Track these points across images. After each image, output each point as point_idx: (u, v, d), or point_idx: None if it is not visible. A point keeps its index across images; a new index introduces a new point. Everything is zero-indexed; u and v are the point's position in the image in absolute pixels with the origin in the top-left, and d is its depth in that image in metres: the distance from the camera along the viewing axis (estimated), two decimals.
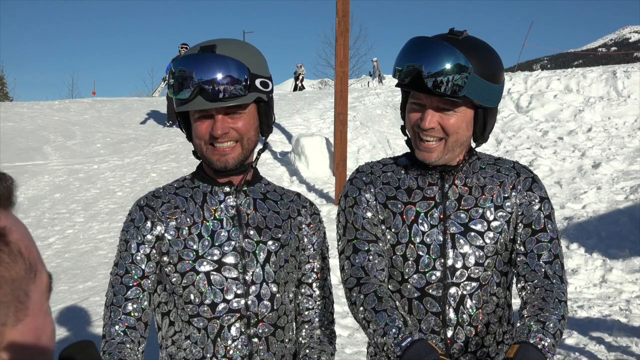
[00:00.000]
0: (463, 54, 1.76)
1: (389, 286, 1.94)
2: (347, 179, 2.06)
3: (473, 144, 1.97)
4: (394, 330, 1.69)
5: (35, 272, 0.75)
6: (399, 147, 13.11)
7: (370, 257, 1.88)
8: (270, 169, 11.19)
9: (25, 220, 9.52)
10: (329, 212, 8.96)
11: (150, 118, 17.54)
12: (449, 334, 1.90)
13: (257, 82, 1.81)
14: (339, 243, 1.99)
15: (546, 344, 1.66)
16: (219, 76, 1.73)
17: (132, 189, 11.19)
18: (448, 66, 1.74)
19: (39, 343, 0.74)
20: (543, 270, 1.86)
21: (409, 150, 2.01)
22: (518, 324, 1.75)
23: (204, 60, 1.76)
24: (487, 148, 12.50)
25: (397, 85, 1.87)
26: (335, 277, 7.11)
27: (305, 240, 2.00)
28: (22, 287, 0.72)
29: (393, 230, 1.93)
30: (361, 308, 1.79)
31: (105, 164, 13.18)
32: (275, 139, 12.96)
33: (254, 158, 1.95)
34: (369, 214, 1.94)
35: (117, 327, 1.77)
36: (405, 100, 1.94)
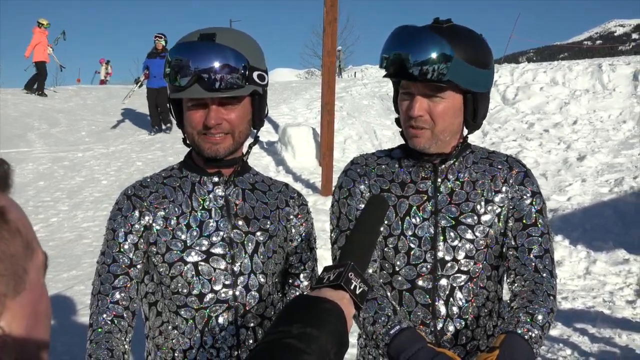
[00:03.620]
0: (447, 41, 1.76)
1: (380, 278, 1.94)
2: (342, 170, 2.06)
3: (465, 131, 1.97)
4: (383, 318, 1.70)
5: (32, 250, 0.79)
6: (386, 137, 13.11)
7: None
8: (256, 159, 11.15)
9: None
10: (315, 203, 8.95)
11: (134, 108, 17.39)
12: (439, 326, 1.90)
13: (255, 74, 1.79)
14: (332, 234, 1.99)
15: (533, 335, 1.67)
16: (217, 65, 1.71)
17: (117, 178, 11.12)
18: (432, 53, 1.75)
19: (36, 313, 0.80)
20: (533, 264, 1.86)
21: (397, 142, 2.02)
22: (506, 315, 1.76)
23: (204, 48, 1.73)
24: (473, 140, 12.52)
25: (384, 76, 1.87)
26: (321, 268, 7.08)
27: (293, 231, 1.99)
28: (20, 263, 0.77)
29: (386, 222, 1.93)
30: None
31: (90, 152, 13.09)
32: (262, 128, 12.87)
33: (245, 152, 1.93)
34: (362, 206, 1.94)
35: (104, 315, 1.75)
36: (398, 93, 1.94)
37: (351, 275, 1.20)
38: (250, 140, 1.94)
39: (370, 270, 1.88)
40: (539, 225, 1.91)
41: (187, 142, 1.88)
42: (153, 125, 14.92)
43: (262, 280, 1.88)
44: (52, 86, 20.17)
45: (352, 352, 5.71)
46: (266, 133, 12.80)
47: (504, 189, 1.95)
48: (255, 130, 1.93)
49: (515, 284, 1.87)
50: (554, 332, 5.73)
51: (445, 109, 1.84)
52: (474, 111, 1.88)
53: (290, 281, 1.99)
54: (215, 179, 1.89)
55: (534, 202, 1.94)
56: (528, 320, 1.70)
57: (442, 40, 1.76)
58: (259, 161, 11.14)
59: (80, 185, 10.83)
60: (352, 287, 1.19)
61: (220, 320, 1.82)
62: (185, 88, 1.73)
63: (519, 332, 1.66)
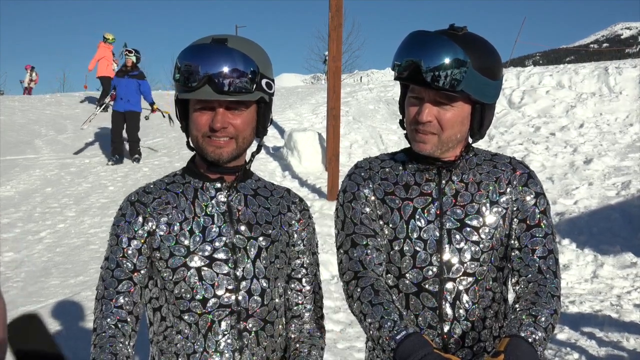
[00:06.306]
0: (462, 49, 1.76)
1: (387, 282, 1.94)
2: (346, 174, 2.07)
3: (470, 140, 1.98)
4: (389, 323, 1.70)
5: None
6: (392, 142, 13.11)
7: (369, 252, 1.89)
8: (262, 164, 11.17)
9: (16, 214, 9.48)
10: (321, 208, 8.93)
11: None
12: (446, 329, 1.91)
13: (263, 82, 1.82)
14: (338, 237, 2.00)
15: (537, 337, 1.66)
16: (228, 68, 1.73)
17: (124, 184, 11.16)
18: (447, 61, 1.75)
19: (4, 319, 0.77)
20: (537, 265, 1.87)
21: (402, 146, 2.02)
22: (510, 318, 1.76)
23: (216, 50, 1.75)
24: (479, 144, 12.51)
25: (395, 79, 1.88)
26: (326, 272, 7.08)
27: (295, 236, 2.00)
28: None
29: (391, 225, 1.94)
30: (358, 301, 1.80)
31: (97, 158, 13.13)
32: (268, 133, 12.83)
33: (248, 160, 1.95)
34: (367, 209, 1.95)
35: (108, 320, 1.76)
36: (404, 95, 1.94)
37: None
38: (253, 148, 1.95)
39: (376, 273, 1.88)
40: (543, 226, 1.92)
41: (191, 145, 1.89)
42: (113, 154, 12.81)
43: (264, 285, 1.88)
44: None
45: (359, 356, 5.65)
46: (272, 138, 12.82)
47: (508, 190, 1.96)
48: (258, 139, 1.94)
49: (519, 285, 1.87)
50: (561, 336, 5.72)
51: (454, 117, 1.85)
52: (481, 121, 1.89)
53: (292, 286, 2.00)
54: (218, 185, 1.90)
55: (537, 203, 1.94)
56: (531, 322, 1.69)
57: (457, 47, 1.76)
58: (265, 166, 11.16)
59: (87, 192, 10.87)
60: None
61: (223, 324, 1.83)
62: (195, 89, 1.75)
63: (523, 335, 1.65)
